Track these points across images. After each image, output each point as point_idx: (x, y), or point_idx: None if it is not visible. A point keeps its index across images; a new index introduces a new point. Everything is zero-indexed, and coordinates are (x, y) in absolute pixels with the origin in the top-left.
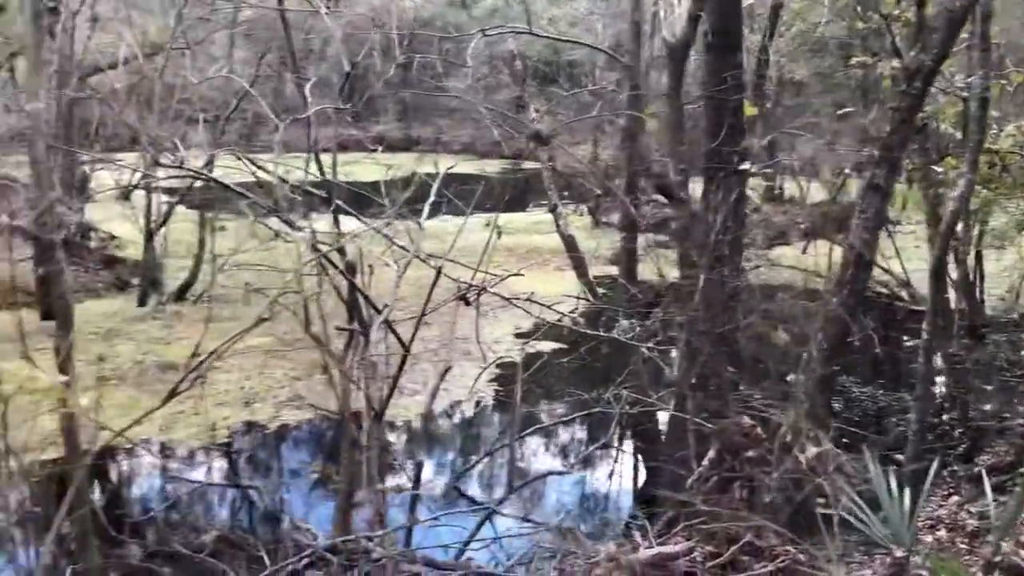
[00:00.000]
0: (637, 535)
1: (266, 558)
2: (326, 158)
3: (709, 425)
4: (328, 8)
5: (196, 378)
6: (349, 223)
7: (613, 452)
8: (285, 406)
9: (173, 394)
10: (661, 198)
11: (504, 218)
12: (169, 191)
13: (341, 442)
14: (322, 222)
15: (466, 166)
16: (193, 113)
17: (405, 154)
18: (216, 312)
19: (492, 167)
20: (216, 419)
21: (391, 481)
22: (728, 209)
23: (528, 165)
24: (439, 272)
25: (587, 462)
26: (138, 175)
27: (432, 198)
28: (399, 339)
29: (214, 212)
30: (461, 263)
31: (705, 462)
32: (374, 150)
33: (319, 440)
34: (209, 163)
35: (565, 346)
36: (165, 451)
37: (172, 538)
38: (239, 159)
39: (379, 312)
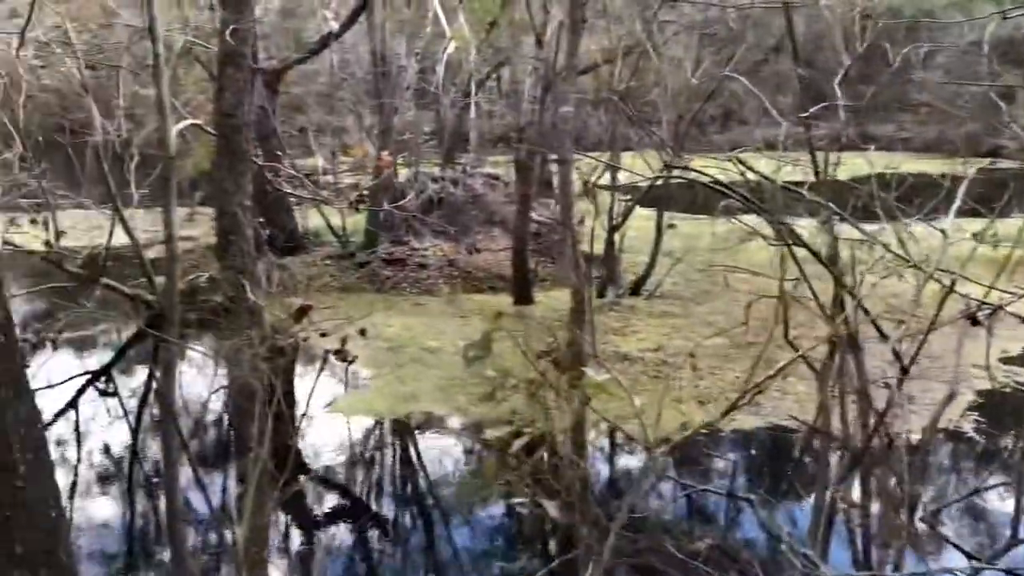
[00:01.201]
0: None
1: None
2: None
3: None
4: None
5: (754, 394)
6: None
7: None
8: (740, 411)
9: (731, 409)
10: None
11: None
12: (629, 189)
13: (819, 459)
14: (803, 225)
15: (929, 165)
16: (654, 115)
17: (853, 152)
18: (668, 309)
19: (961, 166)
20: (671, 417)
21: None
22: None
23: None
24: (951, 287)
25: None
26: (597, 173)
27: (958, 202)
28: (898, 357)
29: (668, 210)
30: (969, 278)
31: None
32: (864, 148)
33: (779, 452)
34: (670, 166)
35: None
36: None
37: (663, 539)
38: (730, 160)
39: (881, 332)
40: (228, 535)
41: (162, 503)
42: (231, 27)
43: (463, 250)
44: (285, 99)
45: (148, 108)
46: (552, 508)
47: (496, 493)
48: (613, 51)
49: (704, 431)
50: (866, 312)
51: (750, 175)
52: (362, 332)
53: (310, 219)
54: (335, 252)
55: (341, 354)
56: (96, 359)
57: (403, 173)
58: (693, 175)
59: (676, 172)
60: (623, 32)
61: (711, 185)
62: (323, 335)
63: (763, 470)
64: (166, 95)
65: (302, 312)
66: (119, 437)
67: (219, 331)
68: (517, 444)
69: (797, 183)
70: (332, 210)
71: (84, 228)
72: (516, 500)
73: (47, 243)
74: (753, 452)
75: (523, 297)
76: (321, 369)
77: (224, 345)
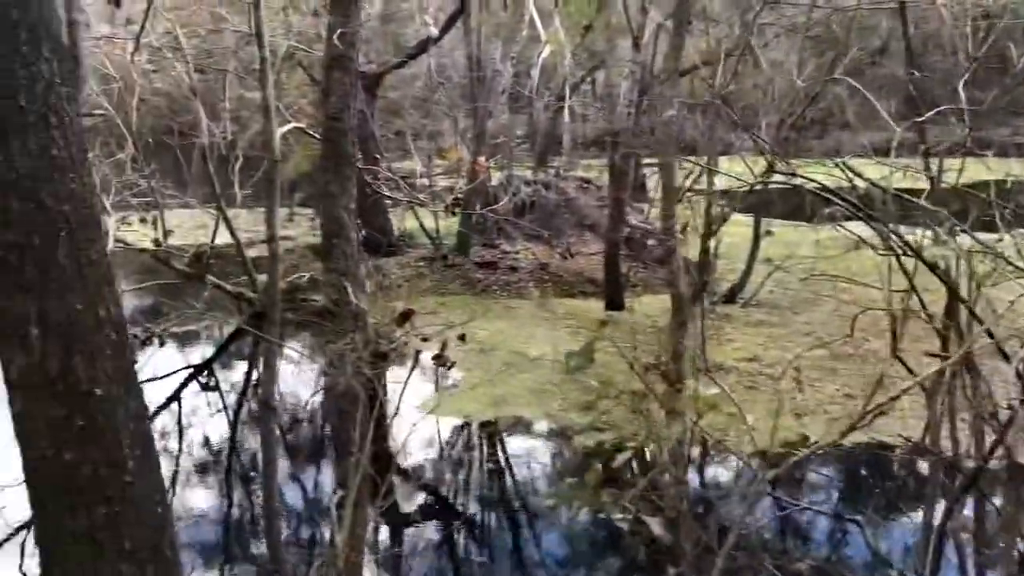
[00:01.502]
0: None
1: None
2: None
3: None
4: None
5: (875, 416)
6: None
7: None
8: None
9: (850, 431)
10: None
11: None
12: (724, 194)
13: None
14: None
15: None
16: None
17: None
18: (764, 318)
19: None
20: (765, 429)
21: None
22: None
23: None
24: None
25: None
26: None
27: None
28: (1020, 376)
29: (766, 216)
30: None
31: None
32: (981, 154)
33: (881, 470)
34: (774, 169)
35: None
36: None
37: (764, 557)
38: (837, 166)
39: (1002, 350)
40: (324, 535)
41: (258, 499)
42: (338, 31)
43: (557, 254)
44: (383, 103)
45: (252, 111)
46: (656, 525)
47: (593, 504)
48: (712, 53)
49: (808, 449)
50: (982, 325)
51: (858, 182)
52: (462, 337)
53: (403, 221)
54: (428, 255)
55: (441, 359)
56: (198, 354)
57: (496, 176)
58: (799, 180)
59: (778, 177)
60: (722, 34)
61: (818, 191)
62: (424, 339)
63: (865, 489)
64: (271, 99)
65: (405, 316)
66: (218, 431)
67: (319, 331)
68: (621, 458)
69: (906, 190)
70: (425, 213)
71: (190, 227)
72: (617, 515)
73: (156, 241)
74: (854, 469)
75: (615, 302)
76: (412, 370)
77: (325, 346)
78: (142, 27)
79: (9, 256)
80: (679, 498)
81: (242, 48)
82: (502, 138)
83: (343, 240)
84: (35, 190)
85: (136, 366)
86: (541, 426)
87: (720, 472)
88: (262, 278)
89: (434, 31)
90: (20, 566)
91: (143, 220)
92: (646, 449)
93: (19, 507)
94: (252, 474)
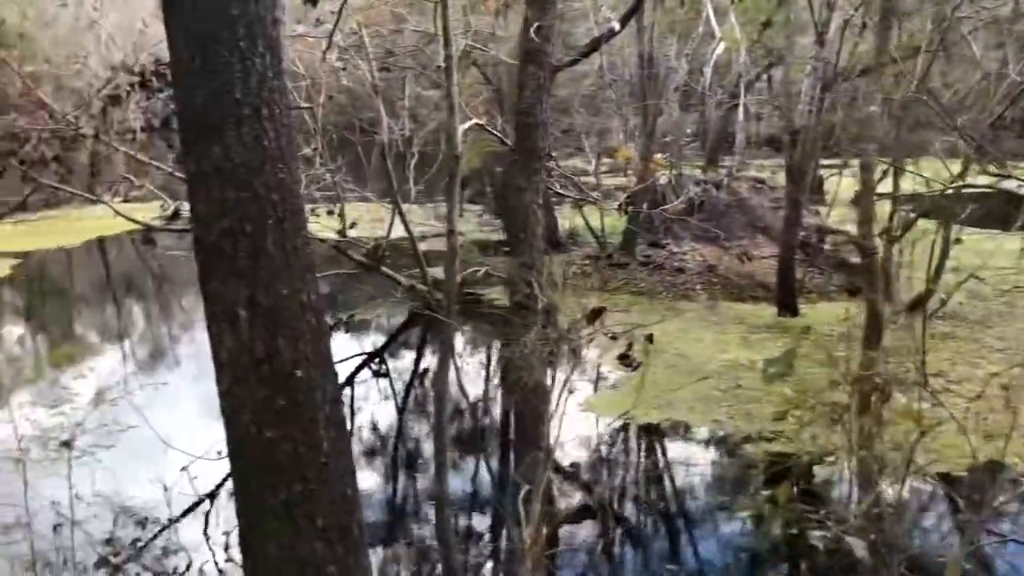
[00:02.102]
0: None
1: None
2: None
3: None
4: None
5: None
6: None
7: None
8: None
9: None
10: None
11: None
12: (911, 198)
13: None
14: None
15: None
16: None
17: None
18: (952, 331)
19: None
20: (953, 450)
21: None
22: None
23: None
24: None
25: None
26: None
27: None
28: None
29: (955, 223)
30: None
31: None
32: None
33: None
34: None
35: None
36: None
37: None
38: None
39: None
40: (493, 526)
41: (427, 486)
42: (535, 25)
43: (729, 256)
44: (552, 101)
45: (428, 109)
46: (859, 548)
47: (782, 517)
48: (905, 48)
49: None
50: None
51: None
52: (649, 338)
53: (567, 219)
54: (593, 253)
55: (628, 359)
56: (370, 342)
57: (663, 175)
58: (1013, 182)
59: (982, 179)
60: (915, 28)
61: None
62: (613, 338)
63: None
64: (455, 95)
65: (596, 314)
66: (387, 417)
67: (505, 327)
68: (818, 472)
69: None
70: (590, 211)
71: (366, 220)
72: (815, 533)
73: (340, 232)
74: None
75: (787, 308)
76: (575, 366)
77: (506, 340)
78: (335, 27)
79: (223, 242)
80: (887, 521)
81: (422, 47)
82: (670, 136)
83: (530, 235)
84: (248, 180)
85: None
86: (701, 430)
87: (924, 494)
88: (432, 271)
89: (616, 26)
90: (204, 531)
91: (330, 212)
92: (846, 464)
93: (203, 478)
94: (421, 461)
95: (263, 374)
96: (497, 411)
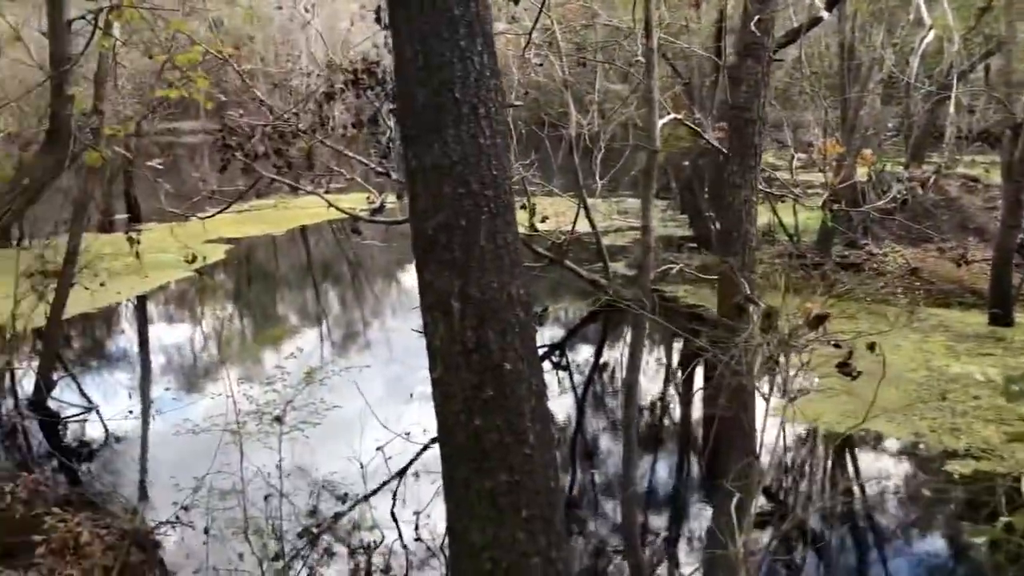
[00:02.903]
0: None
1: None
2: None
3: None
4: None
5: None
6: None
7: None
8: None
9: None
10: None
11: None
12: None
13: None
14: None
15: None
16: None
17: None
18: None
19: None
20: None
21: None
22: None
23: None
24: None
25: None
26: None
27: None
28: None
29: None
30: None
31: None
32: None
33: None
34: None
35: None
36: None
37: None
38: None
39: None
40: (680, 527)
41: (603, 481)
42: (756, 17)
43: (942, 259)
44: None
45: (614, 103)
46: None
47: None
48: None
49: None
50: None
51: None
52: (871, 347)
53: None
54: (785, 251)
55: (847, 368)
56: (550, 335)
57: (861, 171)
58: None
59: None
60: None
61: None
62: (836, 346)
63: None
64: (655, 89)
65: (819, 320)
66: (567, 410)
67: (692, 325)
68: None
69: None
70: (781, 207)
71: (551, 214)
72: None
73: (531, 226)
74: None
75: (1001, 317)
76: (793, 374)
77: (718, 341)
78: (535, 23)
79: (439, 236)
80: None
81: (616, 41)
82: (871, 131)
83: (742, 233)
84: (464, 176)
85: None
86: (907, 445)
87: None
88: (613, 266)
89: (824, 13)
90: (391, 510)
91: (523, 207)
92: None
93: (396, 459)
94: (605, 456)
95: (473, 364)
96: (691, 412)
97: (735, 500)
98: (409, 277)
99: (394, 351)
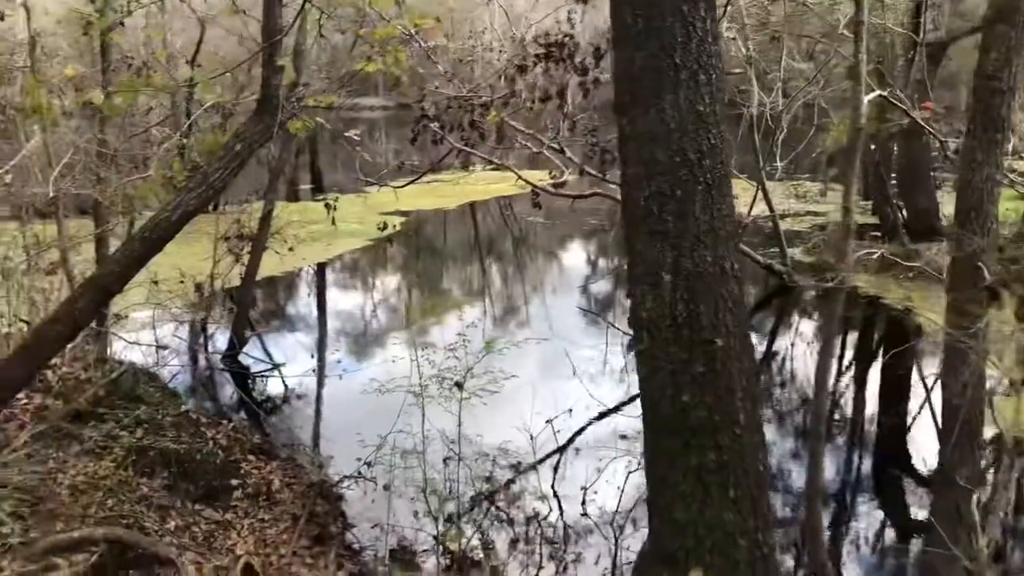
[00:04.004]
0: None
1: None
2: None
3: None
4: None
5: None
6: None
7: None
8: None
9: None
10: None
11: None
12: None
13: None
14: None
15: None
16: None
17: None
18: None
19: None
20: None
21: None
22: None
23: None
24: None
25: None
26: None
27: None
28: None
29: None
30: None
31: None
32: None
33: None
34: None
35: None
36: None
37: None
38: None
39: None
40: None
41: (790, 470)
42: None
43: None
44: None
45: (800, 81)
46: None
47: None
48: None
49: None
50: None
51: None
52: None
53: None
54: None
55: None
56: None
57: None
58: None
59: None
60: None
61: None
62: None
63: None
64: (863, 64)
65: None
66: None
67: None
68: None
69: None
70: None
71: None
72: None
73: None
74: None
75: None
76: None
77: (955, 327)
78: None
79: (651, 205)
80: None
81: (801, 15)
82: None
83: (984, 215)
84: (681, 144)
85: None
86: None
87: None
88: (791, 251)
89: None
90: (552, 484)
91: None
92: None
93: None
94: (785, 449)
95: (682, 338)
96: (892, 402)
97: (975, 497)
98: (571, 255)
99: (560, 327)
